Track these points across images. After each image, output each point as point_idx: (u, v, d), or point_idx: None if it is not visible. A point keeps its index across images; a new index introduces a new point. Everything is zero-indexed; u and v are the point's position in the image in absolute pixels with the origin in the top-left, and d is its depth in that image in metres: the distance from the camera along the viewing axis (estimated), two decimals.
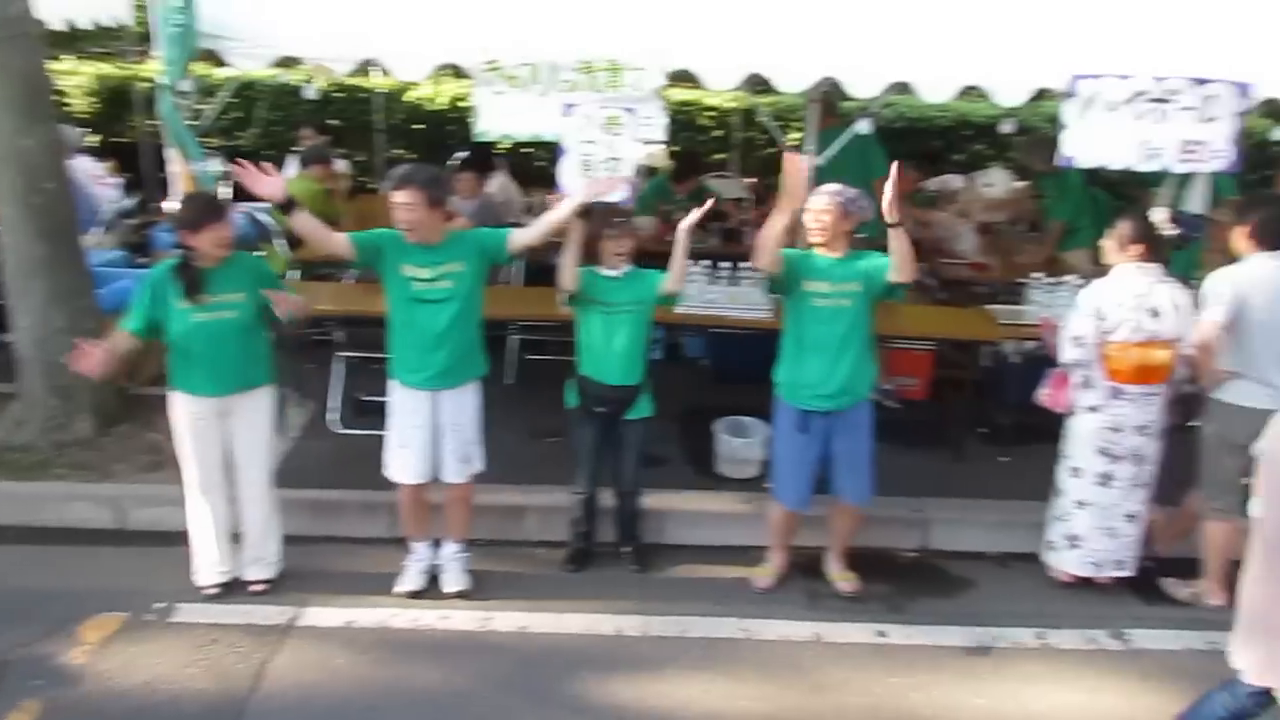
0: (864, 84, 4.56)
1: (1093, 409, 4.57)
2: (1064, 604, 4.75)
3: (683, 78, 4.80)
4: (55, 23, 6.47)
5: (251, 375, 4.32)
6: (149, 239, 7.64)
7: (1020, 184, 7.86)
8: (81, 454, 5.33)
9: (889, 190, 4.05)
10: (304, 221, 4.19)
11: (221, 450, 4.39)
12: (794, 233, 4.30)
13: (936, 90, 4.61)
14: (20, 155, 5.08)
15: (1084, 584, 4.84)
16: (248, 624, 4.33)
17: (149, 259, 7.49)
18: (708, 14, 4.57)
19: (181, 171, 4.70)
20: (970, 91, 4.75)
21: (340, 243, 4.27)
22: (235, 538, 4.56)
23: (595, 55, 4.38)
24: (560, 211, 4.29)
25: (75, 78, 10.09)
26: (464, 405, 4.42)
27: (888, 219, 4.13)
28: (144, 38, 8.15)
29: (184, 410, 4.30)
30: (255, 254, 7.23)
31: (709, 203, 4.44)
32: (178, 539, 4.89)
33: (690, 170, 7.57)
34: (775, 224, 4.18)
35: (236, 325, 4.20)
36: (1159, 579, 4.87)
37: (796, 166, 4.11)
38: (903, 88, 4.70)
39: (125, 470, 5.27)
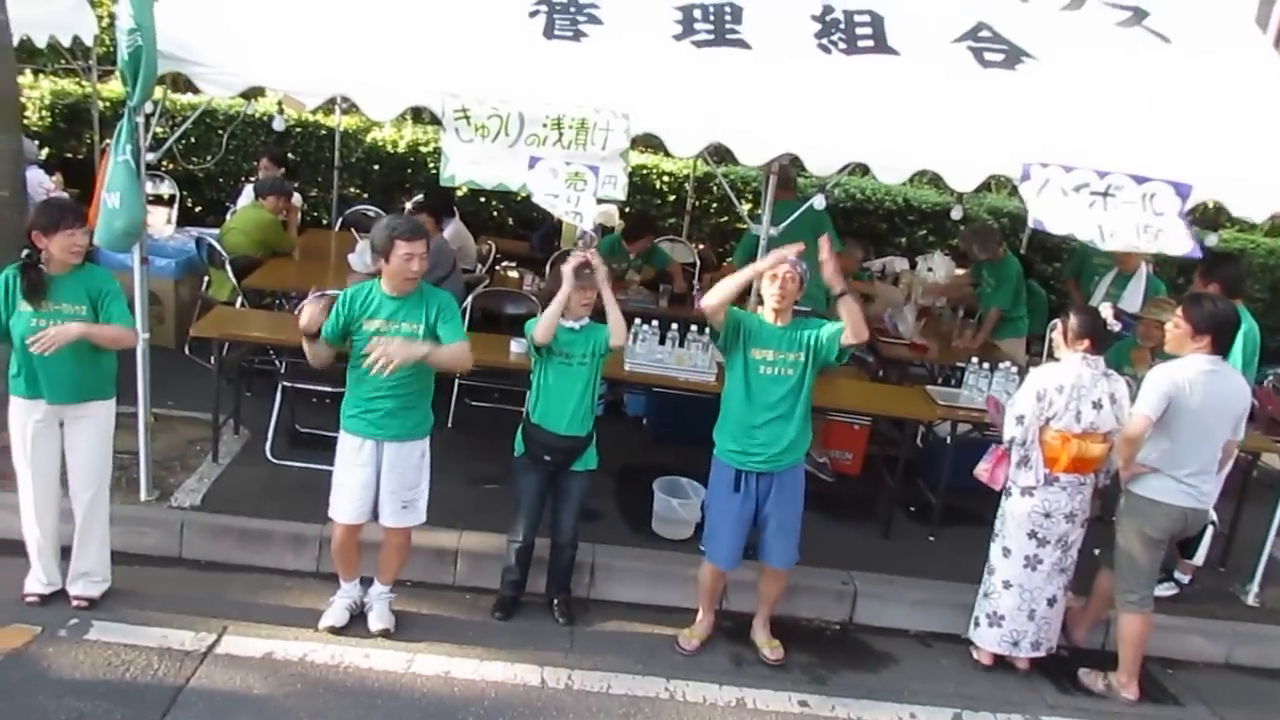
0: (823, 161, 4.70)
1: (1028, 491, 4.68)
2: (982, 686, 4.82)
3: (647, 140, 4.91)
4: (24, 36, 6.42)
5: (86, 387, 4.22)
6: (95, 254, 7.52)
7: (961, 271, 8.10)
8: (5, 461, 5.16)
9: (828, 262, 4.24)
10: (314, 352, 4.27)
11: (59, 461, 4.31)
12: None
13: (892, 172, 4.76)
14: None
15: (1002, 667, 4.93)
16: (164, 647, 4.22)
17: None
18: (677, 81, 4.71)
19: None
20: (920, 176, 4.89)
21: (329, 355, 4.32)
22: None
23: (565, 111, 4.46)
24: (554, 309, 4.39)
25: (33, 92, 9.99)
26: (406, 452, 4.38)
27: (834, 289, 4.30)
28: (106, 57, 8.17)
29: (16, 414, 4.23)
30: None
31: (591, 242, 4.51)
32: None
33: (642, 230, 7.70)
34: (739, 278, 4.34)
35: None
36: (1077, 669, 4.97)
37: (782, 255, 4.28)
38: (860, 168, 4.85)
39: None
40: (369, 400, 4.27)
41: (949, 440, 5.89)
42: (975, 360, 6.00)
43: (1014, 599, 4.80)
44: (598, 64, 4.74)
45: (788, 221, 5.02)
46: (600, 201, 4.69)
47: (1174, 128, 4.86)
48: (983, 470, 4.82)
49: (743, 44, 4.89)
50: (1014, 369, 5.86)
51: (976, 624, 4.94)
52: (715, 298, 4.32)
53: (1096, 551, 5.09)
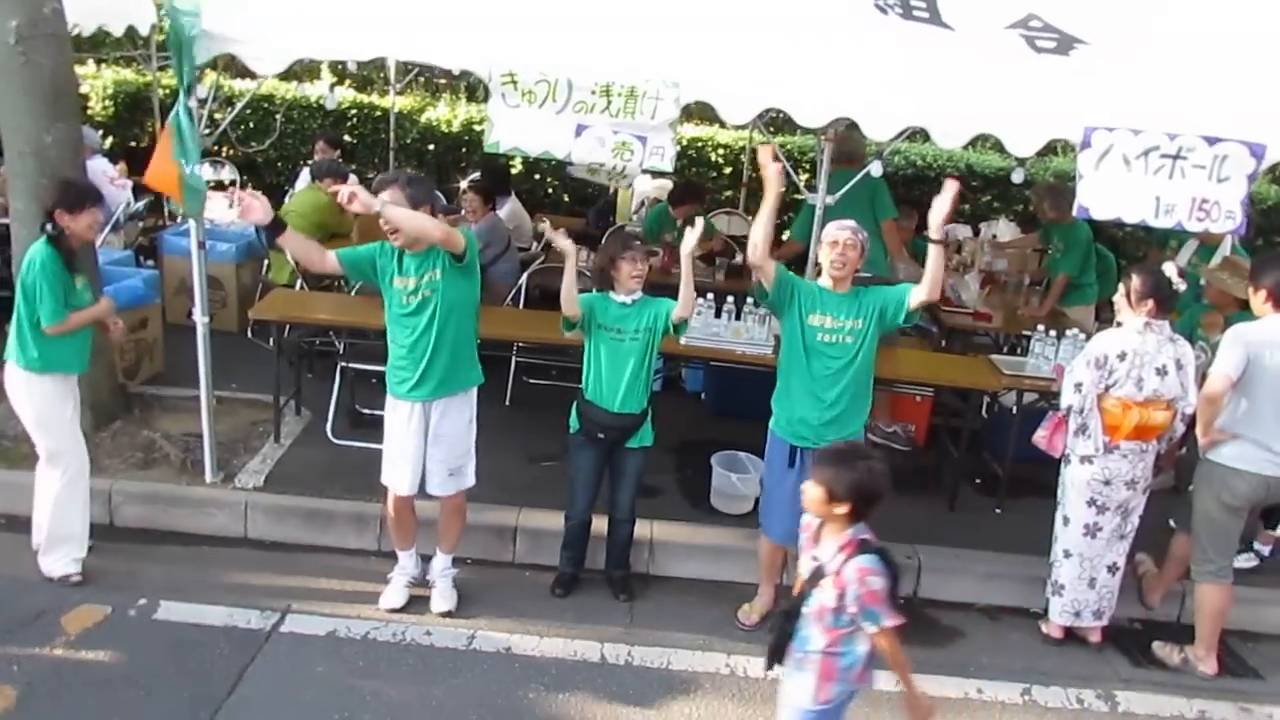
0: (880, 126, 4.56)
1: (1086, 459, 4.56)
2: (1053, 661, 4.71)
3: (700, 108, 4.81)
4: (76, 27, 6.52)
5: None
6: (156, 241, 7.67)
7: (1026, 235, 7.88)
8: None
9: (942, 206, 4.07)
10: (292, 242, 4.17)
11: None
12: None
13: (951, 136, 4.62)
14: (41, 151, 5.11)
15: (1073, 641, 4.82)
16: (230, 626, 4.30)
17: (155, 261, 7.55)
18: (728, 46, 4.58)
19: (173, 172, 4.66)
20: (983, 141, 4.73)
21: (331, 261, 4.23)
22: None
23: (614, 79, 4.39)
24: (568, 281, 4.35)
25: (95, 81, 10.20)
26: (453, 416, 4.37)
27: (933, 235, 4.15)
28: (165, 46, 8.30)
29: (66, 389, 4.41)
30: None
31: (699, 226, 4.37)
32: (167, 538, 4.98)
33: (688, 194, 7.61)
34: (764, 211, 4.16)
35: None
36: (1151, 642, 4.84)
37: (768, 157, 4.11)
38: (918, 132, 4.71)
39: (117, 466, 5.26)
40: (410, 364, 4.24)
41: (1015, 410, 5.76)
42: (1042, 328, 5.84)
43: (1074, 568, 4.69)
44: (647, 22, 4.61)
45: (844, 190, 4.91)
46: (656, 175, 4.62)
47: (1252, 86, 4.63)
48: (1041, 437, 4.71)
49: None
50: (1082, 337, 5.68)
51: (1046, 597, 4.83)
52: (757, 243, 4.16)
53: (1171, 523, 4.94)
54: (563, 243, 4.35)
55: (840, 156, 5.09)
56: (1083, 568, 4.68)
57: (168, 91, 9.26)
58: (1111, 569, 4.70)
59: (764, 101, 4.54)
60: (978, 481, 6.02)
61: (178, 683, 3.92)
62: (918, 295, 4.19)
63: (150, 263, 7.53)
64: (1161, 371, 4.41)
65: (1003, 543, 5.36)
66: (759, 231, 4.16)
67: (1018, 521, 5.53)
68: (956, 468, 5.83)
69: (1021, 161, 4.95)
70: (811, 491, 3.07)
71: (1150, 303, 4.41)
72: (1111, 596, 4.76)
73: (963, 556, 5.27)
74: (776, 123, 4.69)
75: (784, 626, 3.16)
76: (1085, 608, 4.74)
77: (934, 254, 4.15)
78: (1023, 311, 7.04)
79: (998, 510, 5.77)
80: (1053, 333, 5.79)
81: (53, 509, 4.43)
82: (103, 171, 7.30)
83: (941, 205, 4.08)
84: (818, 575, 3.08)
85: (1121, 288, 4.53)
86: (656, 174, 4.58)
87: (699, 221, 4.44)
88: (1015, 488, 5.75)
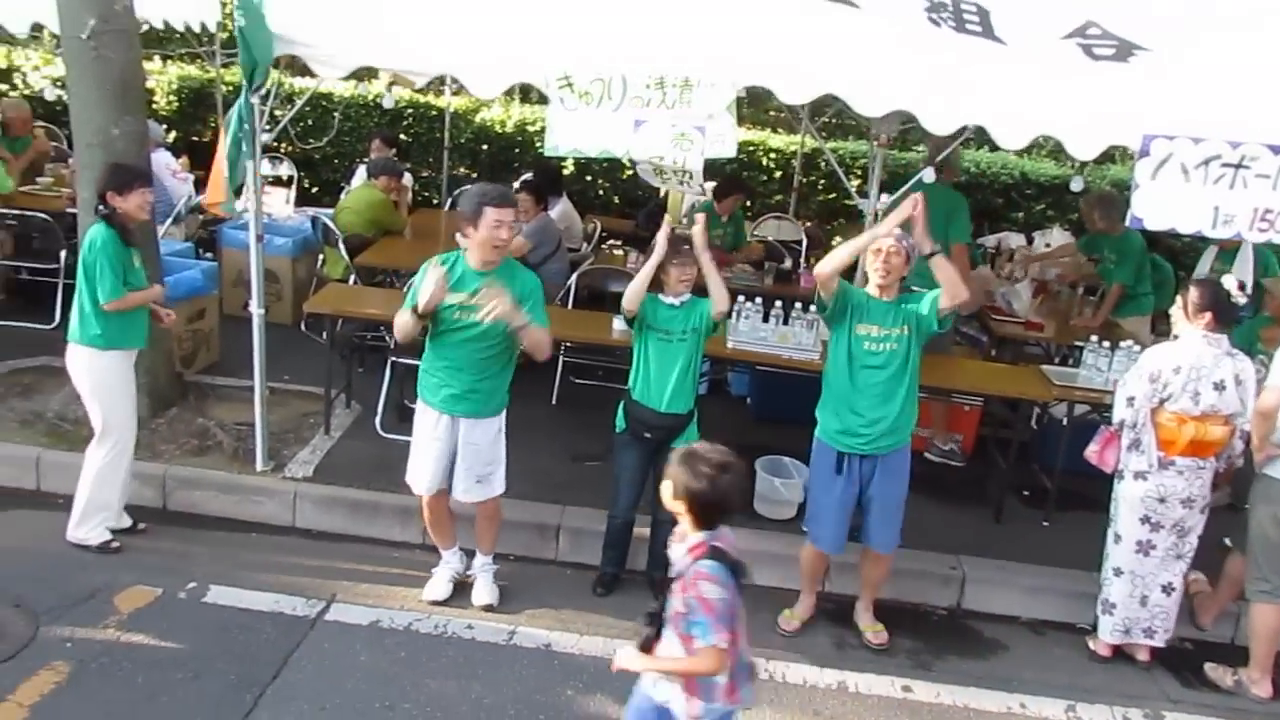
0: (939, 121, 4.50)
1: (1140, 475, 4.48)
2: (1099, 678, 4.64)
3: (752, 114, 4.79)
4: (146, 23, 6.68)
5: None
6: (216, 234, 7.83)
7: (1062, 245, 7.75)
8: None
9: (916, 220, 4.11)
10: (411, 329, 4.21)
11: None
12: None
13: (1010, 137, 4.55)
14: (109, 143, 5.24)
15: (1121, 659, 4.74)
16: (276, 612, 4.38)
17: (214, 253, 7.71)
18: (783, 33, 4.53)
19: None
20: (1038, 148, 4.63)
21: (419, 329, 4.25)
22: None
23: (668, 71, 4.35)
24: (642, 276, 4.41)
25: (161, 77, 10.43)
26: (483, 427, 4.38)
27: (922, 250, 4.19)
28: (229, 43, 8.50)
29: (125, 367, 4.57)
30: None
31: (701, 220, 4.51)
32: (218, 523, 5.08)
33: (731, 189, 7.60)
34: (855, 243, 4.27)
35: None
36: (1203, 663, 4.74)
37: (916, 205, 4.13)
38: (972, 136, 4.64)
39: (172, 452, 5.37)
40: (448, 375, 4.27)
41: (1065, 422, 5.68)
42: (1095, 339, 5.75)
43: (1125, 586, 4.61)
44: (702, 16, 4.58)
45: (894, 196, 4.85)
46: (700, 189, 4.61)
47: None
48: (1092, 452, 4.63)
49: (849, 2, 4.71)
50: (1136, 349, 5.57)
51: (1096, 614, 4.76)
52: (829, 265, 4.23)
53: (1227, 541, 4.84)
54: (661, 239, 4.43)
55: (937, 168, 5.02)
56: (1134, 585, 4.60)
57: (230, 88, 9.44)
58: (1166, 589, 4.60)
59: (822, 87, 4.47)
60: (1025, 494, 5.95)
61: (224, 665, 3.99)
62: (943, 300, 4.21)
63: (209, 255, 7.69)
64: (1219, 386, 4.32)
65: (1049, 556, 5.29)
66: (840, 257, 4.24)
67: (1065, 535, 5.46)
68: (1004, 479, 5.76)
69: (1080, 169, 4.87)
70: (664, 485, 2.90)
71: (1208, 315, 4.32)
72: (1166, 617, 4.65)
73: (1008, 569, 5.21)
74: (829, 128, 4.66)
75: (648, 628, 2.94)
76: (1136, 625, 4.66)
77: (935, 264, 4.19)
78: (1075, 321, 6.93)
79: (1045, 523, 5.69)
80: (1106, 344, 5.69)
81: (93, 483, 4.58)
82: (165, 165, 7.46)
83: (916, 220, 4.14)
84: (674, 578, 2.91)
85: (1179, 299, 4.45)
86: (711, 159, 4.53)
87: (700, 217, 4.53)
88: (1064, 501, 5.68)
